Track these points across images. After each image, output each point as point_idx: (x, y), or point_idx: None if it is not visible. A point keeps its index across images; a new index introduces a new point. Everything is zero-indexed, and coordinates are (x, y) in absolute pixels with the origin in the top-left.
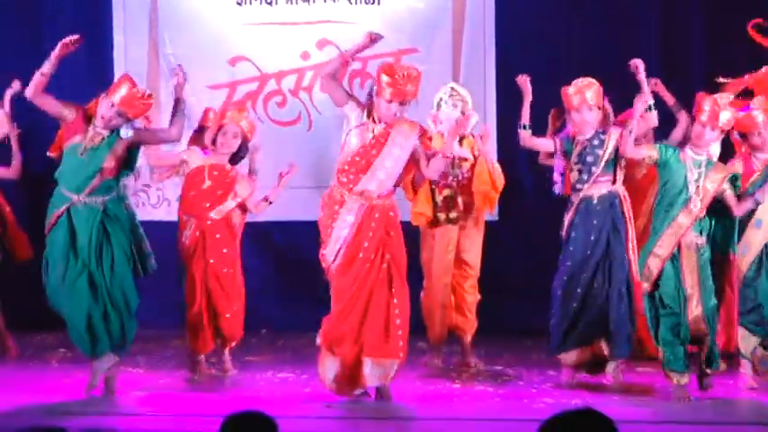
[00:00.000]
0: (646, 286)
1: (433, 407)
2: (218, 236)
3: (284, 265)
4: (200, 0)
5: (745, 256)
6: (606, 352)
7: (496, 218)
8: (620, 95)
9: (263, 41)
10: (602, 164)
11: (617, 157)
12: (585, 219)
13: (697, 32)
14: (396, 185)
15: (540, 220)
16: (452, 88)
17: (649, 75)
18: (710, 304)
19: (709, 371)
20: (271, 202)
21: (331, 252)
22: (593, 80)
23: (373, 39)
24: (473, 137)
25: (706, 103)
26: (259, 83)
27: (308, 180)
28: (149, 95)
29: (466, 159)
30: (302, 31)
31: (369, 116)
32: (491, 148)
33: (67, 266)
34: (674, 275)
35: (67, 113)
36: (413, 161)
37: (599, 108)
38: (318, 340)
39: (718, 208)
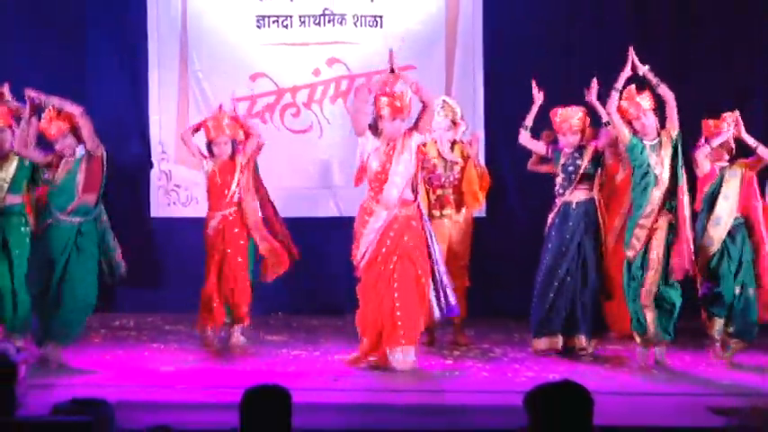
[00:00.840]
0: (630, 254)
1: (428, 380)
2: (236, 230)
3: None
4: (225, 23)
5: (709, 247)
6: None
7: (483, 214)
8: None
9: (279, 60)
10: (581, 172)
11: (595, 168)
12: (563, 221)
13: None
14: (415, 194)
15: (521, 216)
16: (444, 100)
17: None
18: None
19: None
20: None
21: (359, 253)
22: (579, 108)
23: (392, 70)
24: (463, 143)
25: (625, 103)
26: (276, 96)
27: (317, 181)
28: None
29: (456, 163)
30: (314, 51)
31: (379, 138)
32: (479, 152)
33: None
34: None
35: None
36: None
37: (581, 132)
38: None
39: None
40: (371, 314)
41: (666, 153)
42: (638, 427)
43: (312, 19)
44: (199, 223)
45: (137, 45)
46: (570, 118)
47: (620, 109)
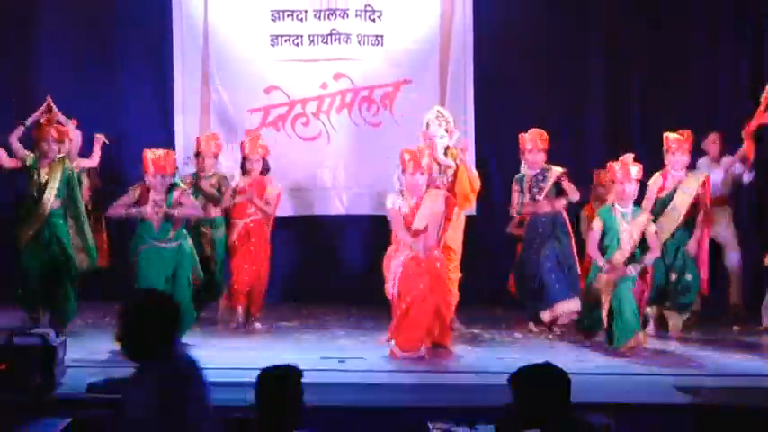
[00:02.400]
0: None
1: (424, 361)
2: (256, 235)
3: (308, 250)
4: (242, 41)
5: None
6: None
7: (474, 213)
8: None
9: (291, 74)
10: (544, 194)
11: (557, 191)
12: (533, 229)
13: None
14: (439, 241)
15: (507, 215)
16: (438, 111)
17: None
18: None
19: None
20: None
21: (389, 284)
22: (543, 131)
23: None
24: (456, 149)
25: (615, 166)
26: (288, 107)
27: (326, 183)
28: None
29: (450, 167)
30: (322, 67)
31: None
32: (470, 158)
33: None
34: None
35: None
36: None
37: (545, 151)
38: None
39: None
40: (407, 327)
41: (637, 228)
42: (611, 404)
43: (320, 38)
44: None
45: (164, 61)
46: (537, 136)
47: (610, 169)
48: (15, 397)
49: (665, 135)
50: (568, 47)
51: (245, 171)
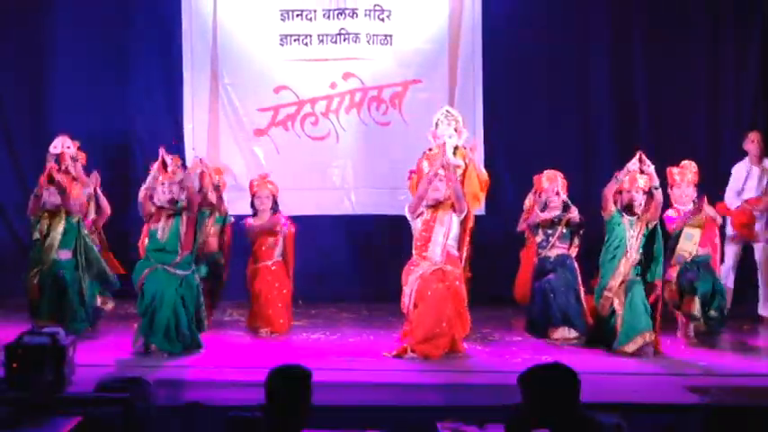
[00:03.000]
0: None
1: (433, 361)
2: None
3: (316, 250)
4: (251, 41)
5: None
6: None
7: (483, 212)
8: (589, 119)
9: (300, 74)
10: (558, 234)
11: (572, 232)
12: (542, 269)
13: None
14: (460, 254)
15: (516, 214)
16: (447, 110)
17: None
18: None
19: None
20: None
21: (406, 298)
22: (560, 173)
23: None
24: (465, 148)
25: (624, 175)
26: (297, 107)
27: (335, 182)
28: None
29: (459, 166)
30: (331, 66)
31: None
32: (479, 157)
33: None
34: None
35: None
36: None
37: (565, 194)
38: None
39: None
40: (427, 333)
41: (640, 233)
42: (622, 404)
43: (330, 37)
44: None
45: (172, 62)
46: (554, 180)
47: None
48: (26, 395)
49: (667, 169)
50: (575, 44)
51: (255, 210)
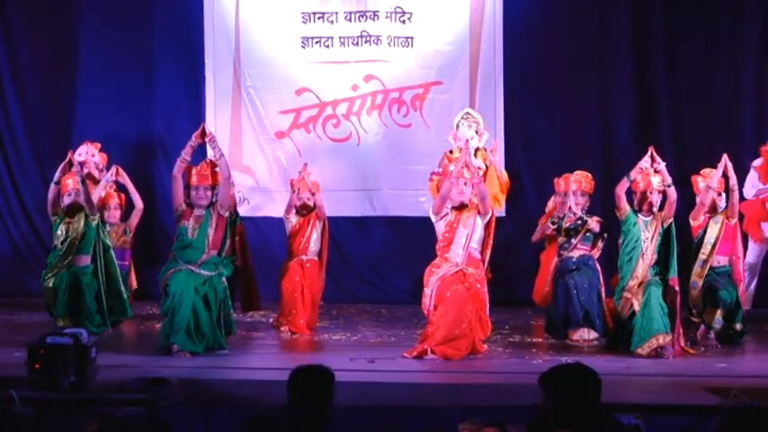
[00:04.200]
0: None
1: (454, 361)
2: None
3: (337, 252)
4: (273, 43)
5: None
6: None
7: (504, 214)
8: (609, 120)
9: (321, 76)
10: (580, 236)
11: (595, 235)
12: (564, 269)
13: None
14: (483, 257)
15: (537, 215)
16: (467, 112)
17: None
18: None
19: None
20: None
21: (426, 298)
22: (589, 173)
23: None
24: (485, 150)
25: (639, 177)
26: (319, 109)
27: (356, 184)
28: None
29: (480, 168)
30: (352, 68)
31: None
32: (499, 159)
33: None
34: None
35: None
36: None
37: (589, 194)
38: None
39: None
40: (448, 333)
41: (655, 232)
42: (640, 405)
43: (351, 40)
44: (248, 221)
45: (196, 65)
46: (584, 179)
47: (634, 182)
48: (49, 395)
49: (693, 177)
50: (597, 45)
51: (297, 210)
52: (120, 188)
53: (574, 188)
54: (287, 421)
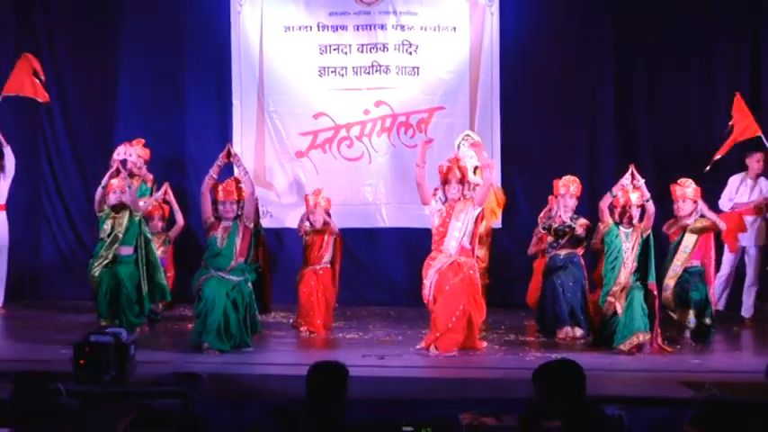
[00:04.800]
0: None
1: (455, 358)
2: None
3: (351, 259)
4: (293, 73)
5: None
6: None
7: (500, 225)
8: (595, 141)
9: (336, 102)
10: (567, 237)
11: (580, 238)
12: (552, 267)
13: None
14: (472, 247)
15: (529, 227)
16: (467, 134)
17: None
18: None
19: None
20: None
21: (426, 290)
22: (576, 178)
23: (426, 142)
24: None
25: (619, 193)
26: (334, 131)
27: (367, 199)
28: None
29: (478, 185)
30: (364, 95)
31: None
32: (496, 176)
33: None
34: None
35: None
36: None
37: (577, 197)
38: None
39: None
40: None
41: (635, 242)
42: (622, 398)
43: (363, 69)
44: (271, 232)
45: (224, 92)
46: (572, 183)
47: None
48: (92, 389)
49: (671, 186)
50: (583, 73)
51: (310, 223)
52: (165, 202)
53: (563, 192)
54: (306, 412)
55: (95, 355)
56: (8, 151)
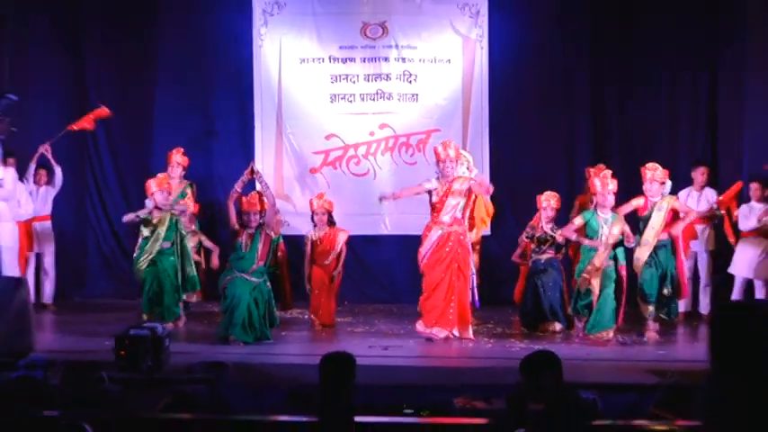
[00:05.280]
0: (581, 287)
1: (450, 348)
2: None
3: (357, 262)
4: (307, 99)
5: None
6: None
7: (489, 233)
8: (574, 158)
9: (346, 125)
10: (548, 245)
11: (560, 245)
12: (534, 270)
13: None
14: (463, 216)
15: (514, 234)
16: (466, 158)
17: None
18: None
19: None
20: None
21: (422, 253)
22: (556, 193)
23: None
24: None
25: (597, 180)
26: (343, 150)
27: (373, 209)
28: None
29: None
30: (370, 119)
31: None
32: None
33: None
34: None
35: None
36: (471, 197)
37: (557, 209)
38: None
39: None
40: (433, 302)
41: (610, 233)
42: (596, 384)
43: (369, 96)
44: (289, 239)
45: (247, 116)
46: (552, 198)
47: (592, 185)
48: (132, 376)
49: (641, 168)
50: (561, 100)
51: (314, 223)
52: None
53: (544, 205)
54: (319, 396)
55: (134, 347)
56: (58, 170)
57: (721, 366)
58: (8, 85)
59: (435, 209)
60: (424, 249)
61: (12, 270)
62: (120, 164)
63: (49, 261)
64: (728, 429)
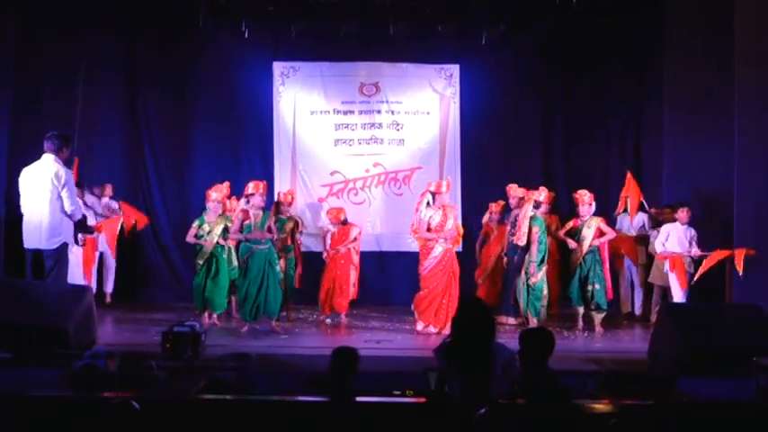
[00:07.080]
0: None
1: (431, 342)
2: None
3: (359, 275)
4: (316, 143)
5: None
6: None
7: (461, 250)
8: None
9: (347, 163)
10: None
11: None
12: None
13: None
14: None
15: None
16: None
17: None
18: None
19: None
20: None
21: (424, 268)
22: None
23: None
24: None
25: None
26: (344, 184)
27: (368, 231)
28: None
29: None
30: (366, 159)
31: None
32: (458, 214)
33: None
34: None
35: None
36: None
37: (520, 199)
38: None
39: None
40: (430, 305)
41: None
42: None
43: (365, 140)
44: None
45: (267, 155)
46: (512, 190)
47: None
48: (175, 364)
49: (574, 194)
50: (519, 147)
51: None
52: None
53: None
54: (329, 381)
55: (177, 341)
56: (116, 205)
57: None
58: (80, 124)
59: (436, 231)
60: (427, 263)
61: (77, 278)
62: (165, 191)
63: (111, 265)
64: None
